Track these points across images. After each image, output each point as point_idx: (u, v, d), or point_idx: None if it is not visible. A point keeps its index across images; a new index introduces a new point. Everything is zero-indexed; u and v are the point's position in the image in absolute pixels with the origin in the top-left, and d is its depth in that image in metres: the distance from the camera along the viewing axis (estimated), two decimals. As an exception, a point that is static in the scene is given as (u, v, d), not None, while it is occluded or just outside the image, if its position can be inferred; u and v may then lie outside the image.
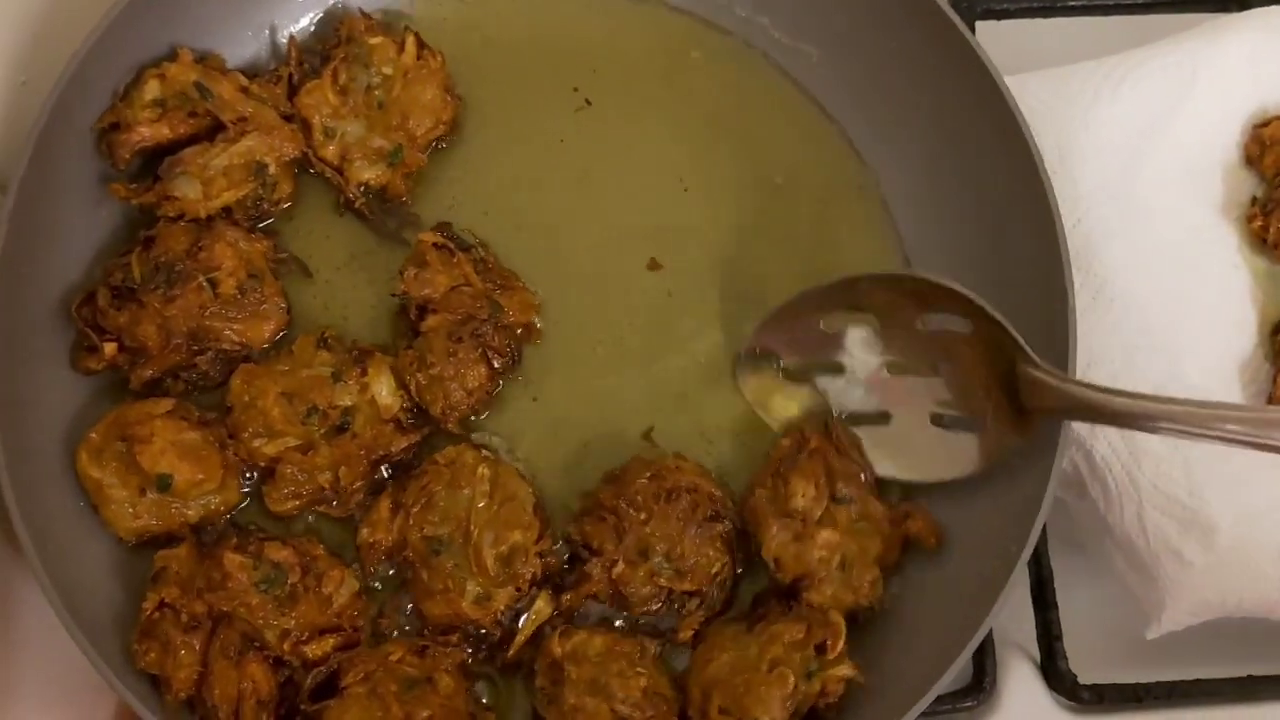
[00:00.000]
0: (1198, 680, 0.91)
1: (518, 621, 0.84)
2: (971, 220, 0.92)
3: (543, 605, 0.84)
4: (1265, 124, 0.95)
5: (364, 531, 0.85)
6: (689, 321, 0.93)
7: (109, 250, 0.90)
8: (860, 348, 0.88)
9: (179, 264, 0.86)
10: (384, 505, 0.85)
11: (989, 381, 0.82)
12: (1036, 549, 0.90)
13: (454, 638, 0.83)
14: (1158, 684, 0.91)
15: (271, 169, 0.90)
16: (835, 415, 0.88)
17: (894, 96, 0.94)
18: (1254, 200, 0.94)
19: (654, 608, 0.84)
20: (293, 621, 0.81)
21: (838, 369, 0.89)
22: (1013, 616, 0.92)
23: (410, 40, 0.93)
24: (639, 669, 0.81)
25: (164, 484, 0.82)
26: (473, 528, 0.83)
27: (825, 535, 0.83)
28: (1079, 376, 0.83)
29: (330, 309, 0.92)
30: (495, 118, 0.97)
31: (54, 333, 0.87)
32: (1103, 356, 0.90)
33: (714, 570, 0.84)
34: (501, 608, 0.83)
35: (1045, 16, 1.05)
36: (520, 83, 0.98)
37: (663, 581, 0.83)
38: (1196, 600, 0.86)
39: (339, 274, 0.93)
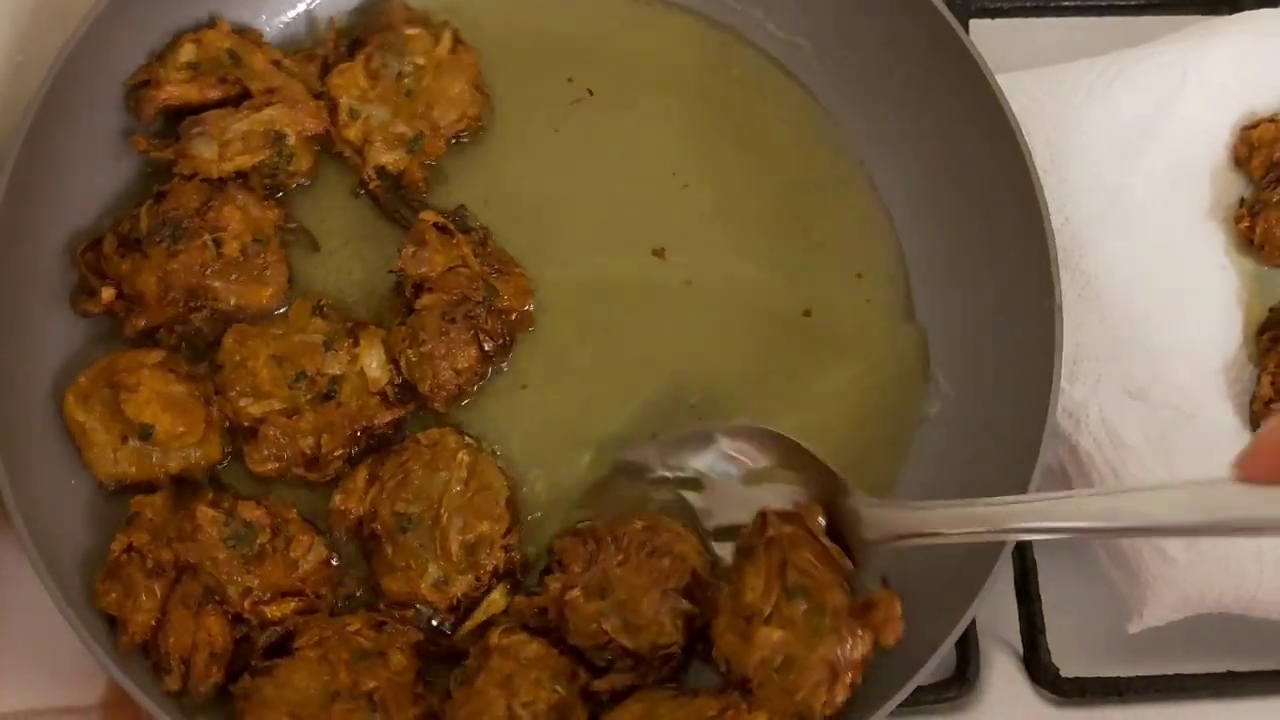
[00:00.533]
0: (1179, 675, 0.91)
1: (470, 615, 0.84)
2: (962, 216, 0.92)
3: (498, 598, 0.84)
4: (1254, 126, 0.96)
5: (337, 498, 0.85)
6: (686, 318, 0.94)
7: (121, 203, 0.91)
8: (719, 466, 0.86)
9: (187, 220, 0.87)
10: (360, 475, 0.86)
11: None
12: (1020, 541, 0.91)
13: (409, 613, 0.83)
14: (1139, 678, 0.91)
15: (291, 140, 0.91)
16: (794, 502, 0.82)
17: (887, 91, 0.95)
18: (1242, 201, 0.95)
19: (590, 645, 0.80)
20: (256, 581, 0.82)
21: (697, 485, 0.87)
22: (996, 609, 0.93)
23: (447, 35, 0.94)
24: (558, 688, 0.78)
25: (145, 433, 0.83)
26: (443, 511, 0.83)
27: (764, 634, 0.75)
28: (1064, 374, 0.84)
29: (331, 283, 0.93)
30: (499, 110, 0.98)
31: (57, 276, 0.88)
32: (1088, 354, 0.91)
33: (662, 642, 0.79)
34: (459, 594, 0.83)
35: (1038, 16, 1.05)
36: (520, 75, 0.98)
37: (607, 627, 0.80)
38: (1178, 596, 0.87)
39: (345, 251, 0.93)
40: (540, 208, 0.95)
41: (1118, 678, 0.91)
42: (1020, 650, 0.93)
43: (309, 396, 0.86)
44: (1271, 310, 0.93)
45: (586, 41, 0.99)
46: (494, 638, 0.81)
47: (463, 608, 0.84)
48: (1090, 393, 0.90)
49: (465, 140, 0.96)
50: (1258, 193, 0.94)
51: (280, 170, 0.92)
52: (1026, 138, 0.86)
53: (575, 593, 0.80)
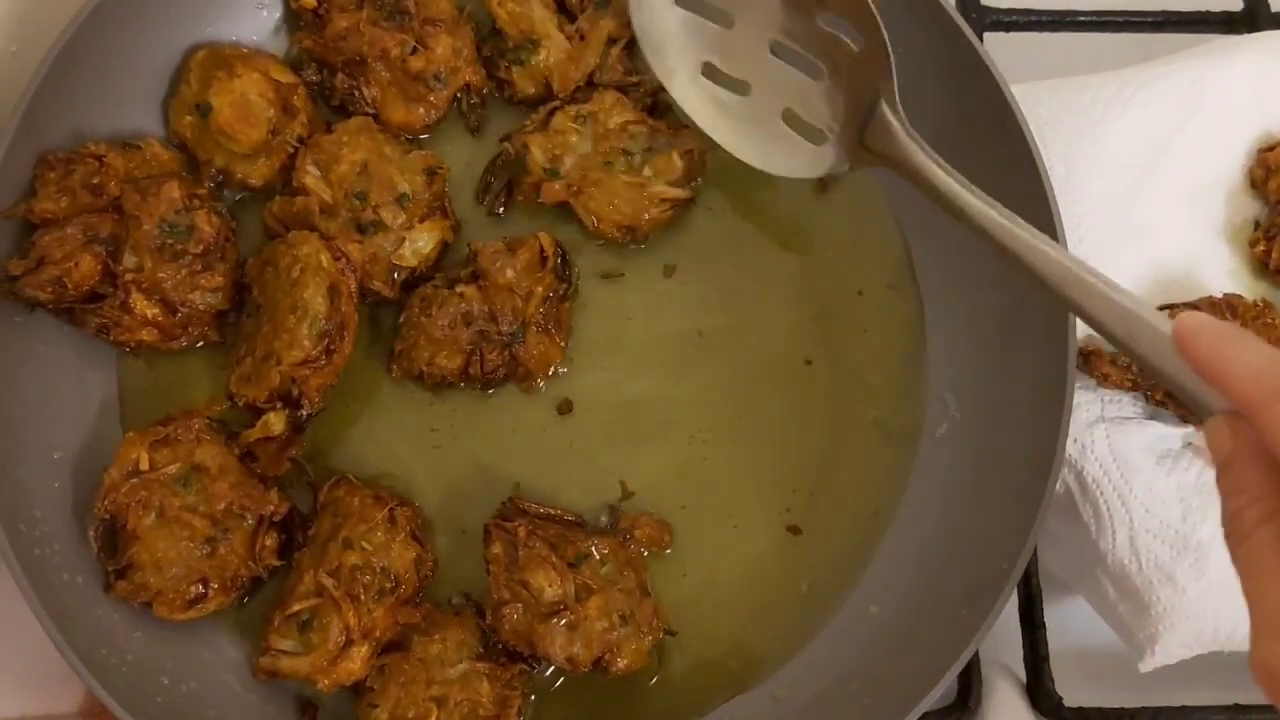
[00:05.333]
0: (1184, 707, 0.90)
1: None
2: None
3: (274, 420, 0.84)
4: (1270, 148, 0.94)
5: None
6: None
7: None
8: (758, 11, 0.83)
9: (408, 3, 0.89)
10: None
11: (850, 105, 0.80)
12: (1026, 567, 0.89)
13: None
14: (1144, 709, 0.90)
15: None
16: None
17: (900, 100, 0.93)
18: (1257, 224, 0.93)
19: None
20: (149, 264, 0.83)
21: (727, 20, 0.84)
22: (999, 635, 0.91)
23: None
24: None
25: (204, 110, 0.87)
26: (266, 314, 0.85)
27: (594, 604, 0.81)
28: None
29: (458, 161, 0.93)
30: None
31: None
32: (1097, 376, 0.89)
33: (476, 703, 0.82)
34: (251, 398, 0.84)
35: (1053, 31, 1.04)
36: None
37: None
38: (1190, 630, 0.85)
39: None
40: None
41: (1121, 709, 0.90)
42: (1023, 678, 0.92)
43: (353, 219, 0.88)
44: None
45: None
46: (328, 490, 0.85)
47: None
48: (1097, 416, 0.88)
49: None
50: (1273, 216, 0.92)
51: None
52: (1042, 150, 0.85)
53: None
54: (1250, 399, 0.55)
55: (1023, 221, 0.69)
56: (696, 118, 0.86)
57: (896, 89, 0.78)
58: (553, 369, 0.90)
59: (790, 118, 0.84)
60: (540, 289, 0.87)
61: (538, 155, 0.89)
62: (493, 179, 0.92)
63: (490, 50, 0.93)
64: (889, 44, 0.77)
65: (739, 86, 0.85)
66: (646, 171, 0.89)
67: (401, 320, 0.87)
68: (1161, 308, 0.89)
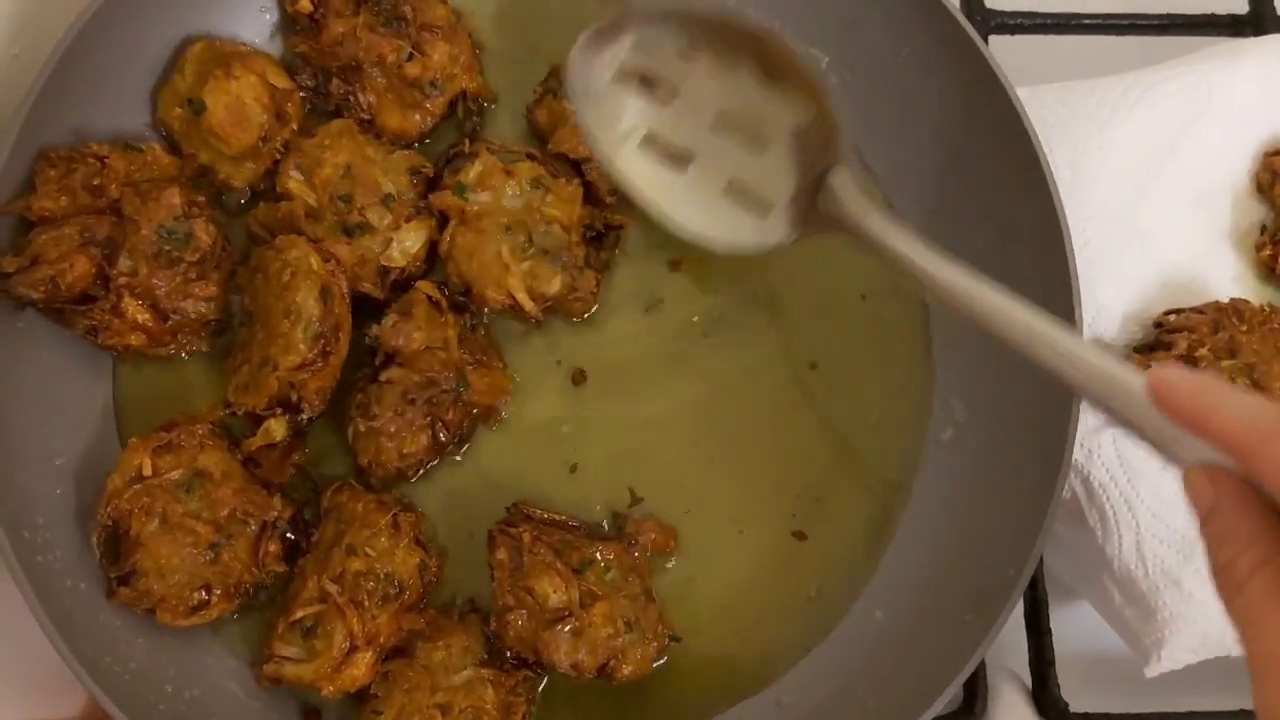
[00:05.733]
0: (1192, 712, 0.89)
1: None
2: (979, 233, 0.90)
3: (275, 426, 0.84)
4: (1277, 152, 0.94)
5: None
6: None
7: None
8: (705, 81, 0.78)
9: (405, 9, 0.88)
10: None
11: (799, 174, 0.75)
12: (1033, 574, 0.89)
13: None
14: (1149, 715, 0.89)
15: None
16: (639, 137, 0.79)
17: (904, 103, 0.93)
18: (1263, 229, 0.93)
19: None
20: (144, 271, 0.83)
21: (669, 94, 0.79)
22: (1005, 640, 0.90)
23: None
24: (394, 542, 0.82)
25: (198, 109, 0.86)
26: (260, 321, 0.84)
27: (599, 611, 0.81)
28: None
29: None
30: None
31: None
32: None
33: (480, 710, 0.81)
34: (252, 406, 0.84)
35: (1058, 33, 1.03)
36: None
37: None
38: (1196, 635, 0.85)
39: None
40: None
41: (1128, 714, 0.89)
42: (1029, 683, 0.91)
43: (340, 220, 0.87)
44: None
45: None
46: (329, 496, 0.85)
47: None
48: (1103, 422, 0.88)
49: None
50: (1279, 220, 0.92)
51: None
52: (1048, 154, 0.84)
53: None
54: (1242, 443, 0.54)
55: (988, 282, 0.66)
56: (636, 192, 0.79)
57: (848, 154, 0.73)
58: (508, 393, 0.89)
59: (736, 189, 0.78)
60: (451, 332, 0.86)
61: (482, 162, 0.88)
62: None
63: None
64: (836, 115, 0.73)
65: (680, 158, 0.79)
66: (525, 266, 0.87)
67: (350, 438, 0.85)
68: (1167, 313, 0.89)
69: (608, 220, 0.90)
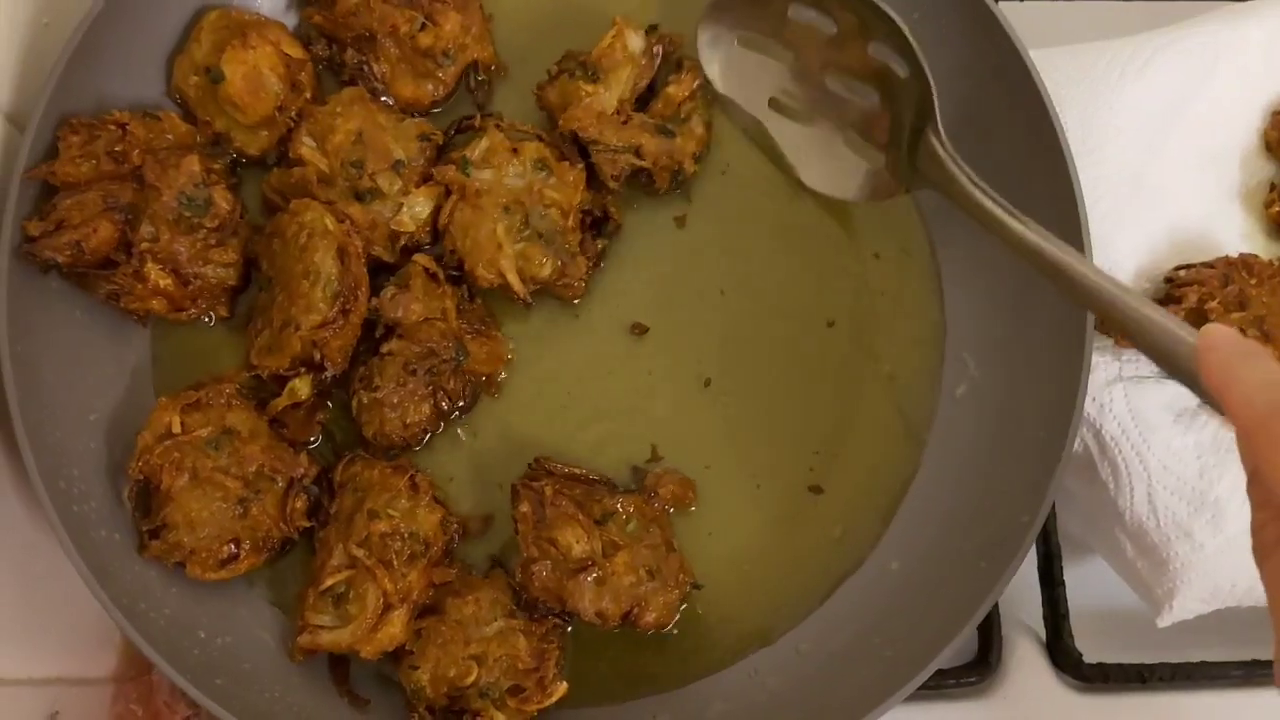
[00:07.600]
0: (1203, 663, 0.91)
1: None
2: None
3: (300, 385, 0.85)
4: (1286, 111, 0.95)
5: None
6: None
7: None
8: (814, 44, 0.89)
9: None
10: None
11: (902, 127, 0.85)
12: (1045, 525, 0.90)
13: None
14: (1163, 665, 0.91)
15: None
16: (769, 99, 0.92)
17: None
18: (1272, 186, 0.94)
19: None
20: (166, 236, 0.84)
21: (787, 56, 0.91)
22: (1019, 593, 0.92)
23: None
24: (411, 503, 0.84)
25: (216, 77, 0.87)
26: (278, 284, 0.86)
27: (621, 560, 0.83)
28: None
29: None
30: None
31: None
32: (1115, 336, 0.90)
33: (514, 658, 0.82)
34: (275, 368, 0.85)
35: (1068, -1, 1.05)
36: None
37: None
38: (1207, 585, 0.86)
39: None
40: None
41: (1141, 664, 0.91)
42: (1043, 635, 0.92)
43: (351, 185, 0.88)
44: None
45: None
46: (342, 470, 0.86)
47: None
48: (1115, 375, 0.89)
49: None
50: (1289, 177, 0.93)
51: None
52: (1060, 115, 0.85)
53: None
54: (1241, 422, 0.55)
55: (1060, 241, 0.74)
56: (776, 151, 0.93)
57: (939, 117, 0.82)
58: (507, 360, 0.91)
59: (852, 144, 0.90)
60: (449, 303, 0.87)
61: (489, 139, 0.88)
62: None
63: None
64: (929, 73, 0.82)
65: (804, 117, 0.92)
66: (518, 247, 0.87)
67: (354, 410, 0.87)
68: (1178, 268, 0.90)
69: (607, 208, 0.91)
